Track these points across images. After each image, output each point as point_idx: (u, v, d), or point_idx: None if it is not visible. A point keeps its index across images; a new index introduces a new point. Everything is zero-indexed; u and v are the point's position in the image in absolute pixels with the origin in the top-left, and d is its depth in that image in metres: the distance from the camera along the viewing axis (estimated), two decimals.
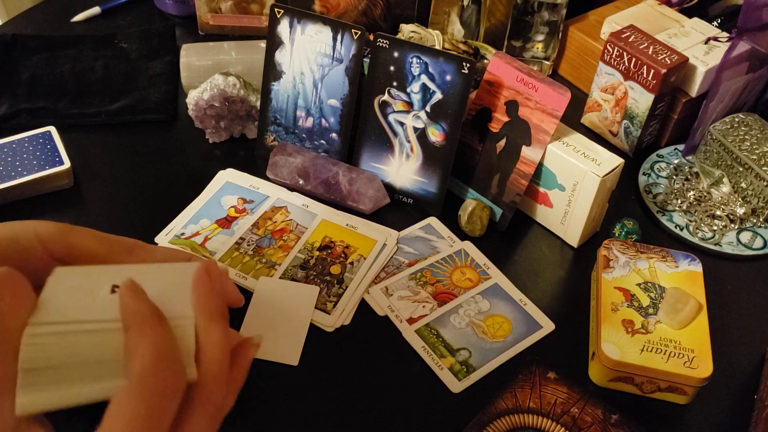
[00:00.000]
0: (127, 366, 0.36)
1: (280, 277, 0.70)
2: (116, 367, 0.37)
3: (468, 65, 0.71)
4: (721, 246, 0.77)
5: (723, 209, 0.79)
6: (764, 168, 0.77)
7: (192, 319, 0.39)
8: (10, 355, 0.37)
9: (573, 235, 0.75)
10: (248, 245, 0.73)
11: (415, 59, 0.73)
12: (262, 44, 0.84)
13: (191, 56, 0.86)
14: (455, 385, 0.63)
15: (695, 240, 0.77)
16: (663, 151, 0.87)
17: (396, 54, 0.74)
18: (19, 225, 0.44)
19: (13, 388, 0.36)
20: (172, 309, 0.39)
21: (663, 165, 0.85)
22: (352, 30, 0.75)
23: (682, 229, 0.78)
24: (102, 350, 0.38)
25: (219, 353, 0.38)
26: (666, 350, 0.61)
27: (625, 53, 0.81)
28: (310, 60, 0.77)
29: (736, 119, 0.82)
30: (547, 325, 0.68)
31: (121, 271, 0.42)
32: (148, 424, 0.35)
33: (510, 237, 0.77)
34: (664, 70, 0.78)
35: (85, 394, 0.37)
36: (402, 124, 0.76)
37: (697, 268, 0.68)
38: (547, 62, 0.95)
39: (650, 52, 0.79)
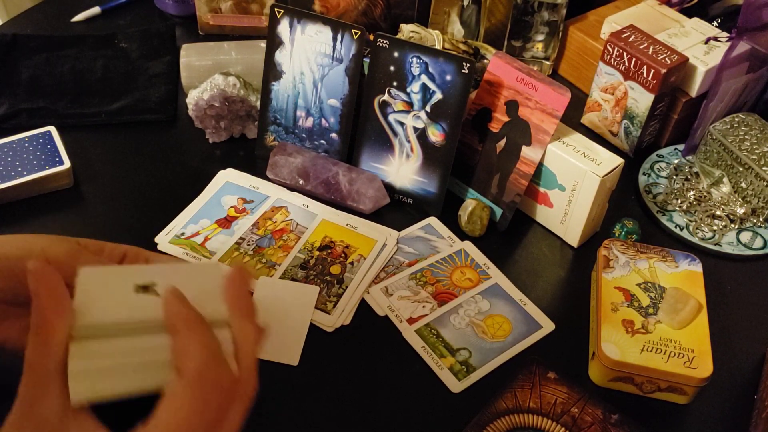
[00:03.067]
0: (180, 365, 0.38)
1: (280, 277, 0.70)
2: (164, 361, 0.39)
3: (468, 65, 0.72)
4: (721, 246, 0.77)
5: (723, 209, 0.79)
6: (764, 168, 0.77)
7: (227, 320, 0.41)
8: (55, 349, 0.38)
9: (573, 235, 0.75)
10: (248, 245, 0.73)
11: (415, 59, 0.73)
12: (262, 44, 0.84)
13: (191, 56, 0.86)
14: (455, 385, 0.63)
15: (695, 240, 0.77)
16: (663, 151, 0.87)
17: (396, 54, 0.74)
18: (29, 242, 0.45)
19: (59, 380, 0.37)
20: (206, 309, 0.41)
21: (663, 165, 0.85)
22: (352, 30, 0.75)
23: (682, 229, 0.78)
24: (147, 345, 0.39)
25: (254, 348, 0.41)
26: (666, 350, 0.61)
27: (625, 53, 0.81)
28: (310, 60, 0.77)
29: (736, 119, 0.82)
30: (547, 325, 0.68)
31: (144, 270, 0.44)
32: (204, 417, 0.37)
33: (510, 237, 0.77)
34: (664, 70, 0.78)
35: (136, 385, 0.39)
36: (402, 124, 0.76)
37: (697, 268, 0.68)
38: (547, 62, 0.95)
39: (650, 52, 0.79)
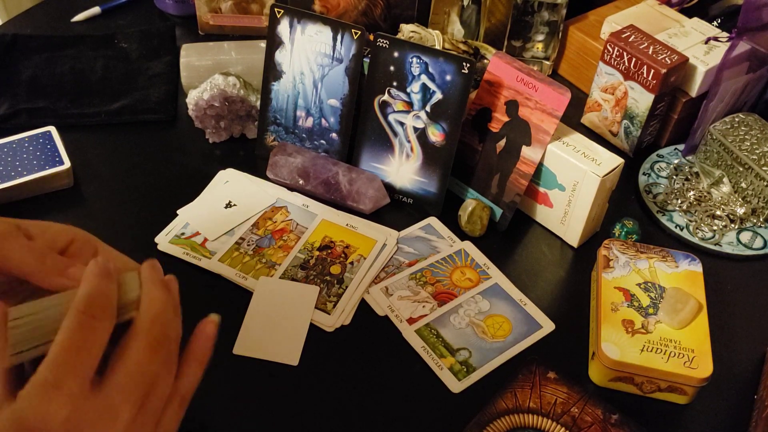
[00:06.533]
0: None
1: (280, 277, 0.70)
2: None
3: (468, 65, 0.72)
4: (721, 246, 0.77)
5: (723, 209, 0.79)
6: (764, 168, 0.77)
7: (138, 291, 0.44)
8: None
9: (573, 235, 0.75)
10: (248, 245, 0.73)
11: (415, 59, 0.73)
12: (262, 44, 0.84)
13: (191, 56, 0.87)
14: (455, 385, 0.63)
15: (695, 240, 0.77)
16: (663, 151, 0.87)
17: (396, 54, 0.74)
18: None
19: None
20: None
21: (663, 165, 0.85)
22: (352, 30, 0.75)
23: (682, 229, 0.78)
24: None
25: (160, 296, 0.43)
26: (666, 350, 0.61)
27: (625, 53, 0.81)
28: (310, 60, 0.77)
29: (736, 119, 0.82)
30: (547, 325, 0.68)
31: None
32: (84, 335, 0.40)
33: (510, 237, 0.77)
34: (664, 70, 0.78)
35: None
36: (402, 124, 0.76)
37: (697, 268, 0.68)
38: (547, 62, 0.95)
39: (650, 52, 0.79)
